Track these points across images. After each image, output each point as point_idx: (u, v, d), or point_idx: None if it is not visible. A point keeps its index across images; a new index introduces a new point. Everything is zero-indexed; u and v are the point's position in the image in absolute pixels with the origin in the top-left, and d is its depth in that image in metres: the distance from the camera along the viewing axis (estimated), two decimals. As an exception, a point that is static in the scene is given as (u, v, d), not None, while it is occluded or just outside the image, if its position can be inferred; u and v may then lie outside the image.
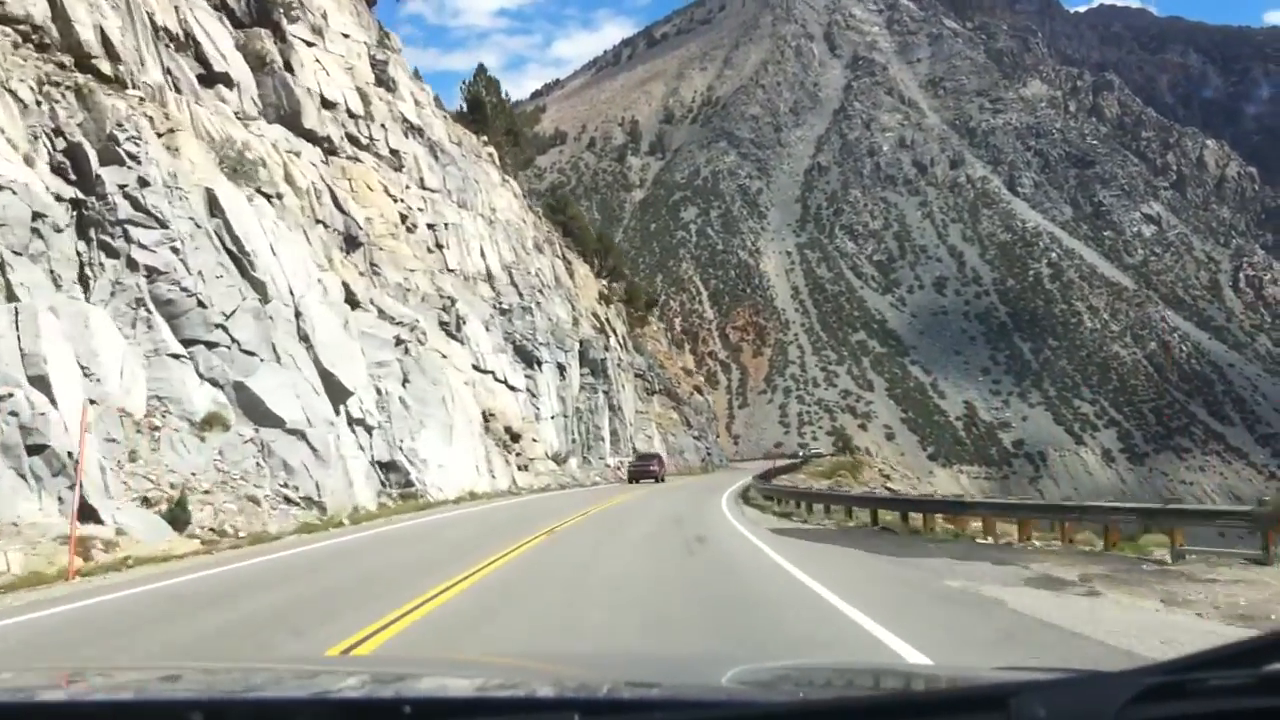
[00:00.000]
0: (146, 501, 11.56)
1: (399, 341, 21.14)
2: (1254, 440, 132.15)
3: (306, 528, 12.92)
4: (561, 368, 38.12)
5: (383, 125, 31.02)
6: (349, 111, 28.42)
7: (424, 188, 33.51)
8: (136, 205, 14.52)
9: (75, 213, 14.18)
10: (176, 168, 15.64)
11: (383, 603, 5.87)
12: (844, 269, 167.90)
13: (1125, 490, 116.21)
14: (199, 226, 15.28)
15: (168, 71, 18.33)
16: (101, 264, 14.15)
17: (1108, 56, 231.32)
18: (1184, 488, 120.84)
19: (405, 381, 20.73)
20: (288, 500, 13.88)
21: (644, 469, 34.66)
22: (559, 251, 48.36)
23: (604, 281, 53.80)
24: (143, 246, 14.39)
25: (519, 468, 29.18)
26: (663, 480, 33.99)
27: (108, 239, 14.27)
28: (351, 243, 22.99)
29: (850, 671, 1.83)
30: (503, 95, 51.85)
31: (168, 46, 18.93)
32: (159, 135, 15.97)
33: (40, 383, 10.87)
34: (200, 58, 20.16)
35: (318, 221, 21.00)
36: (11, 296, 11.87)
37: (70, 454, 9.96)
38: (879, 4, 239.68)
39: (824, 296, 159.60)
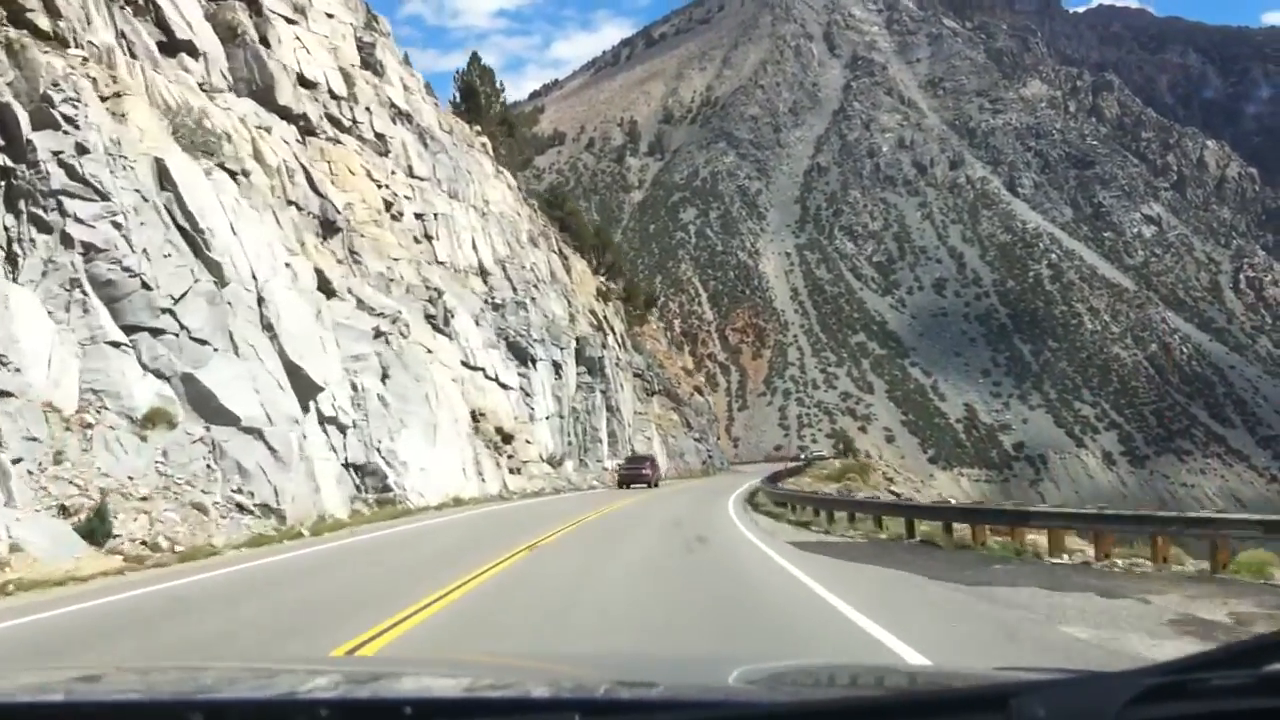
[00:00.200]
0: (65, 510, 9.90)
1: (379, 334, 19.49)
2: (1255, 442, 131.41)
3: (258, 540, 11.27)
4: (557, 366, 36.52)
5: (367, 108, 29.46)
6: (331, 92, 26.85)
7: (412, 175, 31.95)
8: (73, 174, 12.87)
9: (3, 182, 12.54)
10: (122, 134, 13.99)
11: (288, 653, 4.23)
12: (843, 270, 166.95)
13: (1126, 494, 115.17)
14: (146, 200, 13.62)
15: (121, 35, 16.70)
16: (32, 240, 12.49)
17: (1107, 57, 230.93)
18: (1185, 490, 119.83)
19: (385, 377, 19.07)
20: (240, 508, 12.22)
21: (635, 473, 31.90)
22: (555, 246, 46.78)
23: (601, 278, 52.23)
24: (79, 221, 12.73)
25: (511, 471, 27.53)
26: (656, 485, 31.42)
27: (39, 212, 12.61)
28: (329, 227, 21.36)
29: (851, 671, 1.82)
30: (497, 85, 50.30)
31: (124, 8, 17.31)
32: (103, 100, 14.32)
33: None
34: (162, 24, 18.53)
35: (290, 203, 19.35)
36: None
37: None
38: (878, 4, 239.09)
39: (823, 298, 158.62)
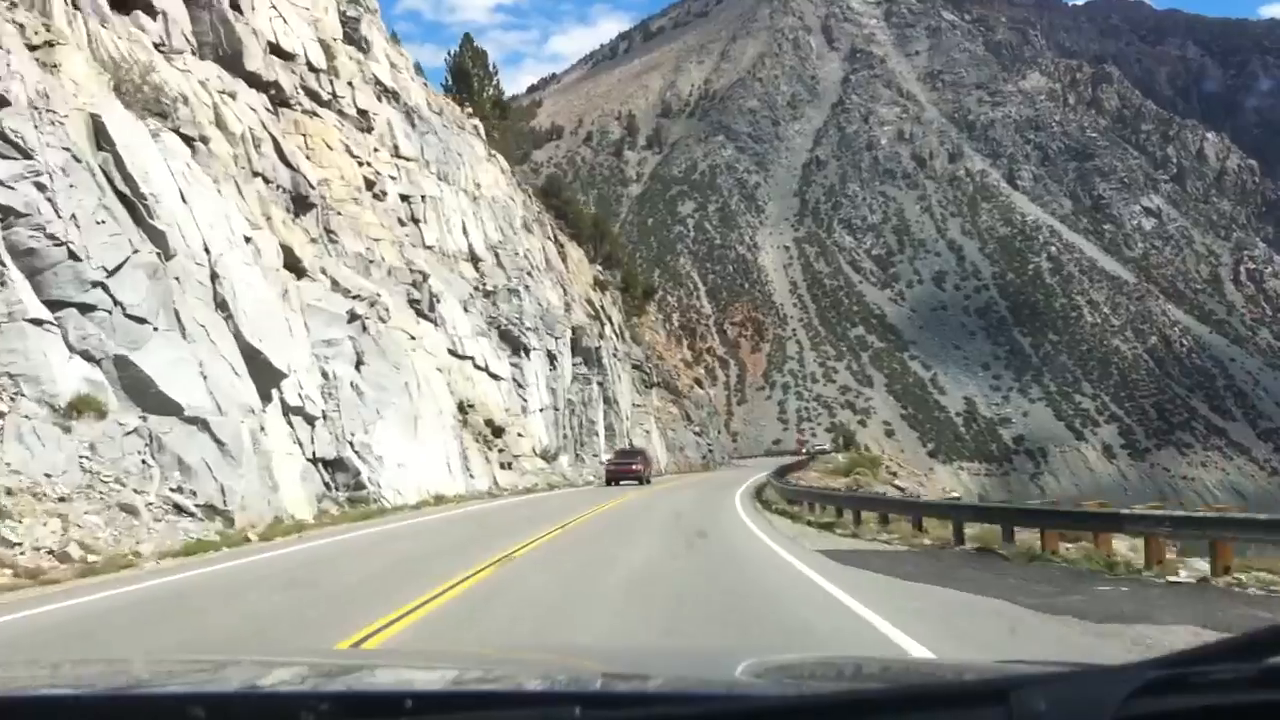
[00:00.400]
0: (-47, 514, 8.27)
1: (354, 317, 17.85)
2: (1256, 435, 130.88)
3: (194, 547, 9.65)
4: (552, 356, 34.90)
5: (349, 83, 27.77)
6: (309, 64, 25.17)
7: (398, 155, 30.31)
8: (-11, 128, 11.20)
9: (-95, 136, 10.88)
10: (51, 87, 12.31)
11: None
12: (842, 263, 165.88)
13: (1127, 487, 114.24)
14: (78, 160, 11.95)
15: (62, -16, 14.99)
16: (-60, 202, 10.83)
17: (1106, 49, 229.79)
18: (1185, 484, 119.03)
19: (360, 364, 17.43)
20: (179, 509, 10.59)
21: (624, 469, 28.38)
22: (550, 233, 45.11)
23: (599, 267, 50.57)
24: (-3, 181, 11.07)
25: (502, 465, 25.93)
26: (648, 482, 28.38)
27: (-52, 170, 10.95)
28: (301, 203, 19.69)
29: (853, 664, 1.82)
30: (490, 68, 48.51)
31: (65, -44, 15.60)
32: (32, 49, 12.63)
33: None
34: (113, -24, 16.82)
35: (256, 174, 17.68)
36: None
37: None
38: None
39: (822, 291, 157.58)
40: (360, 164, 24.99)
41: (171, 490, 10.83)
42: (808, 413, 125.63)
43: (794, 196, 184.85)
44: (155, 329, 11.78)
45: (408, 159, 30.91)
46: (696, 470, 46.99)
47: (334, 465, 15.49)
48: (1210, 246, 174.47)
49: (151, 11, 17.85)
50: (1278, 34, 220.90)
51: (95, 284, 11.42)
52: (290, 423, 14.68)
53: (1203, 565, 6.28)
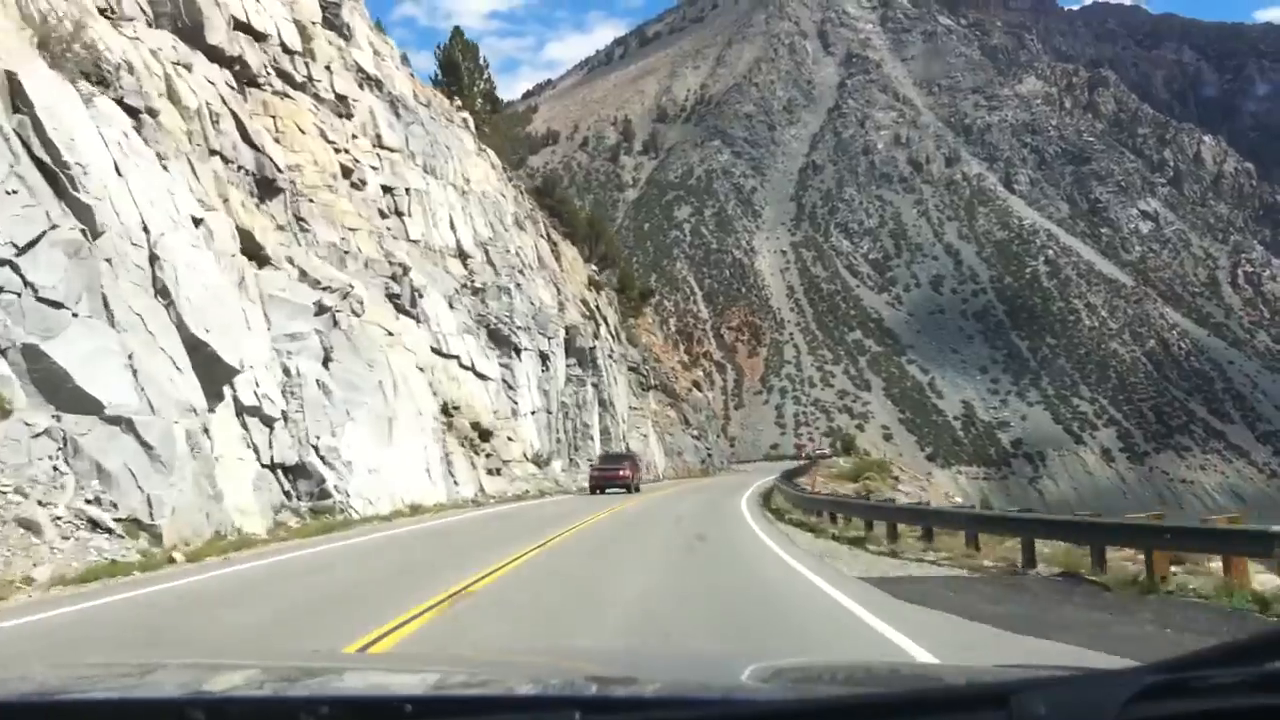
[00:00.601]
0: None
1: (323, 309, 16.21)
2: (1254, 438, 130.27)
3: (102, 570, 7.98)
4: (544, 356, 33.27)
5: (327, 67, 26.23)
6: (283, 45, 23.63)
7: (381, 145, 28.75)
8: (-122, 80, 9.58)
9: None
10: (-41, 37, 10.70)
11: None
12: (839, 267, 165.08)
13: (1126, 491, 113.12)
14: (-13, 121, 10.34)
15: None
16: None
17: (1102, 53, 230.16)
18: (1184, 487, 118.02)
19: (328, 360, 15.79)
20: (93, 524, 8.92)
21: (610, 475, 26.08)
22: (543, 231, 43.55)
23: (594, 267, 49.00)
24: (-116, 141, 9.44)
25: (489, 471, 24.26)
26: (636, 490, 26.25)
27: None
28: (267, 187, 18.07)
29: (854, 669, 1.80)
30: (480, 61, 47.01)
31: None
32: (-60, -4, 11.03)
33: None
34: (53, -66, 15.21)
35: (213, 152, 16.06)
36: None
37: None
38: (872, 1, 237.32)
39: (819, 295, 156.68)
40: (337, 150, 23.41)
41: (87, 502, 9.17)
42: (805, 417, 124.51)
43: (790, 201, 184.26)
44: (74, 315, 10.13)
45: (391, 149, 29.37)
46: (695, 475, 45.34)
47: (295, 472, 13.83)
48: (1208, 249, 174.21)
49: (100, -25, 16.26)
50: (1274, 38, 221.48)
51: (2, 262, 9.77)
52: (244, 424, 13.03)
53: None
